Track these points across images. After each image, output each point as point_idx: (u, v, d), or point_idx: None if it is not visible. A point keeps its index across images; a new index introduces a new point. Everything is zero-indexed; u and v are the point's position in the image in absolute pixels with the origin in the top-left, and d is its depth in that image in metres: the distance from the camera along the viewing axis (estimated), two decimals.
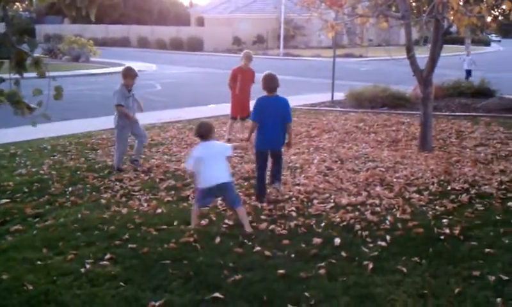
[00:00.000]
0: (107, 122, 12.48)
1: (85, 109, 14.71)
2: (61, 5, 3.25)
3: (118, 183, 7.38)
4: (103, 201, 6.60)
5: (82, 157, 8.99)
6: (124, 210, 6.18)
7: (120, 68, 31.14)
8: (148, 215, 6.03)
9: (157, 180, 7.54)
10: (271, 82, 6.68)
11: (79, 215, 6.02)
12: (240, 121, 10.81)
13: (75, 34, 39.33)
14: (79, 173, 7.95)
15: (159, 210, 6.18)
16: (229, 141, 10.32)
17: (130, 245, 5.14)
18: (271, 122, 6.50)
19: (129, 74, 8.27)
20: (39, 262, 4.80)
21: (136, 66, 32.88)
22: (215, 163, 5.55)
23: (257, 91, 11.32)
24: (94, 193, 6.94)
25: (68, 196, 6.80)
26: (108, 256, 4.91)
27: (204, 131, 5.67)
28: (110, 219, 5.89)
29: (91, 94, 18.85)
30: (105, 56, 34.63)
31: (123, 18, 64.83)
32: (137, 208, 6.30)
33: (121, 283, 4.41)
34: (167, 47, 51.28)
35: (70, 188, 7.13)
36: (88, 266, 4.71)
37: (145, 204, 6.42)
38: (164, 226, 5.66)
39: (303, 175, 7.72)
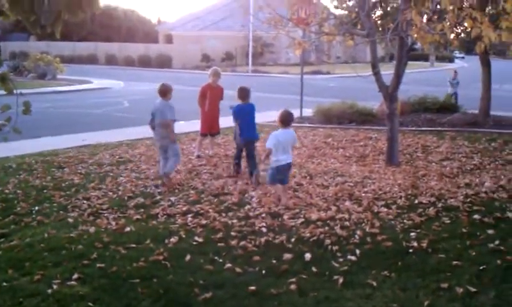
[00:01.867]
0: (74, 140, 12.35)
1: (51, 127, 14.49)
2: (25, 23, 3.20)
3: (85, 201, 7.27)
4: (70, 220, 6.49)
5: (48, 175, 8.83)
6: (92, 229, 6.08)
7: (88, 85, 30.64)
8: (116, 234, 5.95)
9: (126, 197, 7.46)
10: (243, 93, 8.66)
11: (46, 235, 5.90)
12: (210, 137, 10.81)
13: (42, 51, 38.81)
14: (45, 191, 7.81)
15: (128, 229, 6.10)
16: (198, 157, 10.31)
17: (98, 265, 5.06)
18: (246, 122, 8.57)
19: (171, 89, 8.46)
20: (5, 283, 4.69)
21: (103, 83, 32.40)
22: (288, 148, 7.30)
23: (226, 108, 11.35)
24: (61, 212, 6.82)
25: (34, 216, 6.66)
26: (76, 276, 4.82)
27: (290, 119, 7.42)
28: (77, 238, 5.79)
29: (57, 112, 18.58)
30: (73, 73, 34.23)
31: (90, 36, 64.29)
32: (106, 226, 6.21)
33: (90, 304, 4.33)
34: (135, 64, 50.99)
35: (36, 208, 6.99)
36: (55, 287, 4.62)
37: (113, 223, 6.33)
38: (133, 245, 5.59)
39: (273, 191, 7.73)
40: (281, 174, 7.25)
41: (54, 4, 3.02)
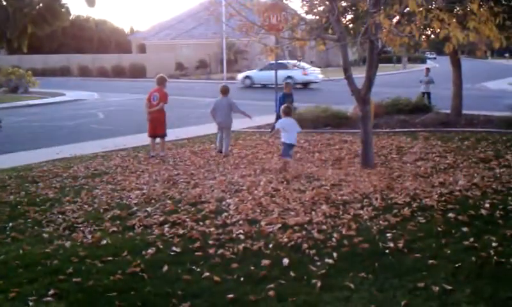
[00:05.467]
0: (48, 153, 12.20)
1: (25, 141, 14.29)
2: None
3: (60, 215, 7.18)
4: (45, 235, 6.40)
5: (22, 190, 8.70)
6: (67, 244, 6.01)
7: (61, 98, 30.23)
8: (92, 247, 5.88)
9: (101, 210, 7.39)
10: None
11: (21, 251, 5.81)
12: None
13: (13, 65, 38.27)
14: (19, 207, 7.69)
15: (104, 241, 6.04)
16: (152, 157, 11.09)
17: (74, 279, 5.00)
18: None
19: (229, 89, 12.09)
20: None
21: (77, 95, 32.05)
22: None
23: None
24: (36, 227, 6.73)
25: (8, 232, 6.55)
26: (52, 291, 4.75)
27: (289, 111, 10.18)
28: (53, 254, 5.71)
29: (31, 125, 18.34)
30: (46, 86, 33.85)
31: (62, 48, 63.71)
32: (81, 240, 6.15)
33: None
34: (109, 75, 50.63)
35: (10, 224, 6.88)
36: (31, 303, 4.55)
37: (89, 236, 6.26)
38: (110, 258, 5.53)
39: (250, 197, 7.74)
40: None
41: (18, 19, 2.99)
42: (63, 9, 4.62)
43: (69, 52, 60.76)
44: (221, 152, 11.53)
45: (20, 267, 5.38)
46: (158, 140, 11.68)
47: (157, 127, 11.55)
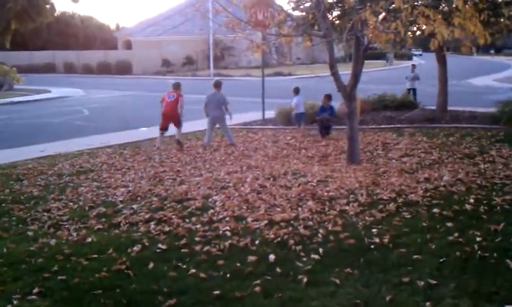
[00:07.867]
0: (33, 151, 12.10)
1: (9, 139, 14.18)
2: None
3: (45, 213, 7.13)
4: (30, 233, 6.35)
5: (6, 188, 8.63)
6: (52, 241, 5.96)
7: (46, 95, 29.93)
8: (77, 245, 5.85)
9: (87, 207, 7.34)
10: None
11: (5, 249, 5.77)
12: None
13: None
14: (3, 205, 7.63)
15: (89, 239, 6.01)
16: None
17: (59, 277, 4.96)
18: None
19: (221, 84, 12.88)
20: None
21: (62, 92, 31.81)
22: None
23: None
24: (20, 225, 6.68)
25: None
26: (36, 290, 4.71)
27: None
28: (38, 252, 5.67)
29: (16, 123, 18.19)
30: (31, 83, 33.53)
31: (48, 44, 63.09)
32: (66, 238, 6.11)
33: None
34: (94, 72, 50.31)
35: None
36: (15, 302, 4.51)
37: (74, 234, 6.22)
38: (95, 255, 5.50)
39: (236, 194, 7.73)
40: None
41: (1, 14, 2.97)
42: (47, 6, 4.58)
43: (54, 48, 60.23)
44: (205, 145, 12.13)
45: (5, 265, 5.33)
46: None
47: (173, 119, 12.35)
